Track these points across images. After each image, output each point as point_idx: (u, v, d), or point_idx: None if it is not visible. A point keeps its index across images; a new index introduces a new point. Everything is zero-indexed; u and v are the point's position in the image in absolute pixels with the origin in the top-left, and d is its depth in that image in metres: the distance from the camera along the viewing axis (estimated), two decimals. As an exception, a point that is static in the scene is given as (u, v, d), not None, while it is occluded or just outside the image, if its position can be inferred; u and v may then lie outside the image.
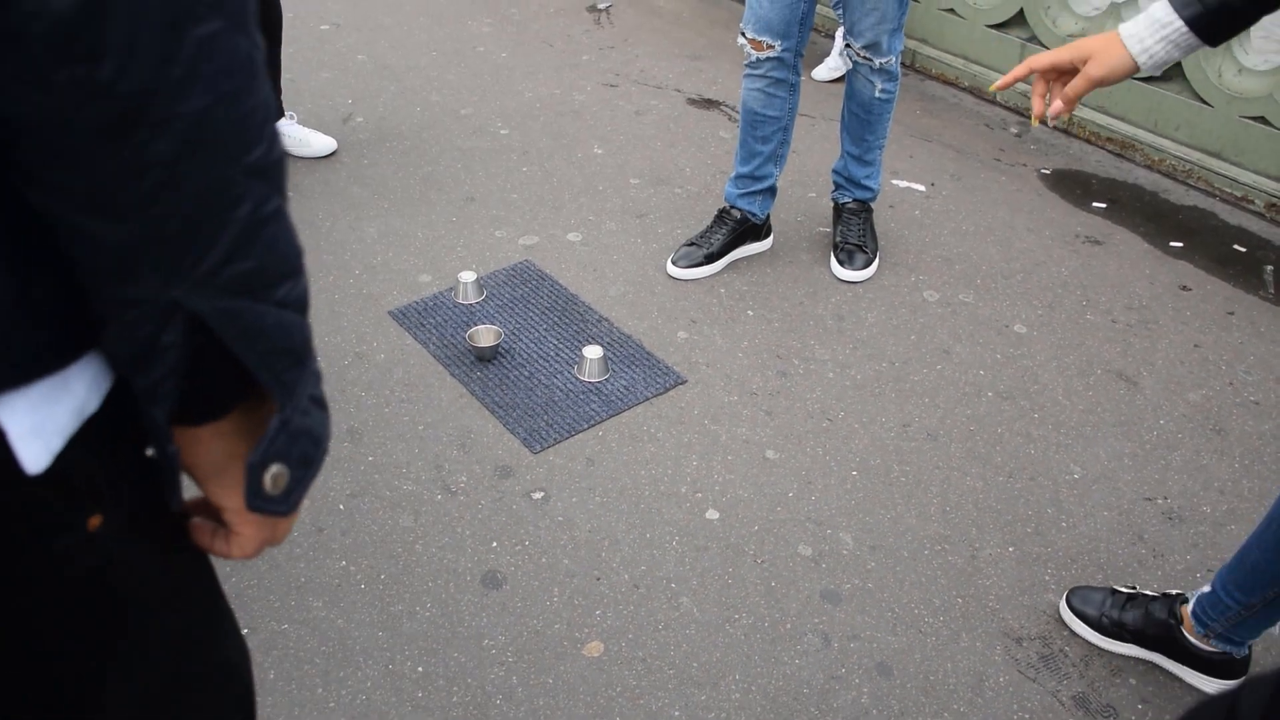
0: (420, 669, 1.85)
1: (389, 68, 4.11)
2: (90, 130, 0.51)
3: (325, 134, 3.48)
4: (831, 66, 4.18)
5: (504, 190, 3.32)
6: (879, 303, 2.88)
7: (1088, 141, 3.81)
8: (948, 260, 3.08)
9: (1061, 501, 2.26)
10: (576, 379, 2.53)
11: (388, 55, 4.21)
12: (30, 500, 0.61)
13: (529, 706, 1.79)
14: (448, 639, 1.90)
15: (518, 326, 2.71)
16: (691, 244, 2.96)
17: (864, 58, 2.74)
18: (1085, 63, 1.40)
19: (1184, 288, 3.01)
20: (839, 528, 2.18)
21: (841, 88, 2.96)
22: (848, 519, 2.20)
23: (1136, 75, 1.40)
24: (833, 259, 3.00)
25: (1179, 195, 3.50)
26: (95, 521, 0.66)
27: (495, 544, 2.10)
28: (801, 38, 2.70)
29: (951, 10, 4.18)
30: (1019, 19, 4.01)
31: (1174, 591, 1.94)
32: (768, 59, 2.71)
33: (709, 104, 3.95)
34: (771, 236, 3.08)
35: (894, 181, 3.46)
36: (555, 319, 2.75)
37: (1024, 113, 3.98)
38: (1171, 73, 3.59)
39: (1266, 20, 1.44)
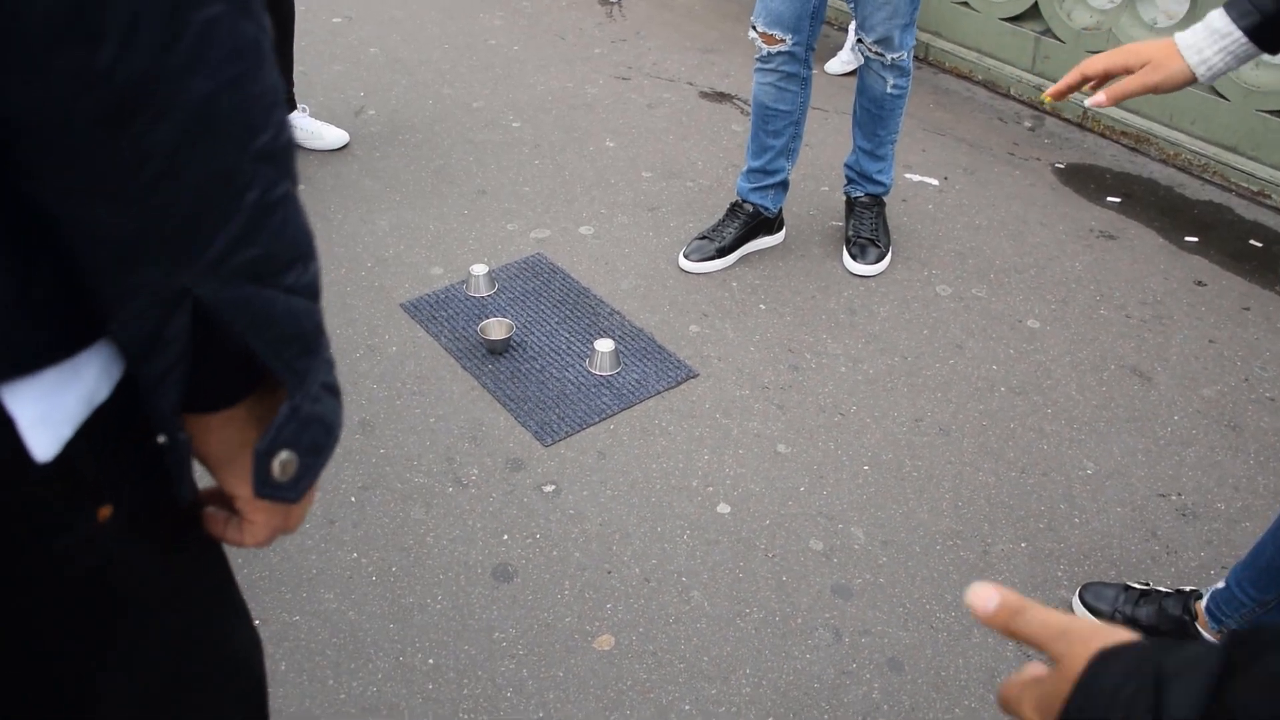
0: (431, 661, 1.85)
1: (401, 61, 4.11)
2: (89, 118, 0.50)
3: (337, 127, 3.48)
4: (844, 60, 4.16)
5: (516, 183, 3.32)
6: (891, 297, 2.87)
7: (1102, 135, 3.79)
8: (960, 255, 3.06)
9: (1074, 497, 2.25)
10: (588, 372, 2.53)
11: (400, 48, 4.21)
12: (38, 491, 0.60)
13: (539, 699, 1.79)
14: (458, 631, 1.91)
15: (529, 320, 2.71)
16: (703, 237, 2.95)
17: (875, 53, 2.73)
18: (1141, 67, 1.37)
19: (1199, 283, 2.99)
20: (850, 522, 2.17)
21: (854, 81, 2.94)
22: (859, 514, 2.19)
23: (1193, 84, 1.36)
24: (845, 253, 2.99)
25: (1194, 190, 3.48)
26: (105, 512, 0.65)
27: (506, 537, 2.10)
28: (813, 31, 2.69)
29: (965, 3, 4.16)
30: (1033, 12, 3.99)
31: (1188, 588, 1.93)
32: (779, 53, 2.69)
33: (721, 97, 3.94)
34: (784, 230, 3.07)
35: (907, 175, 3.44)
36: (567, 312, 2.74)
37: (1039, 107, 3.95)
38: (1187, 66, 3.56)
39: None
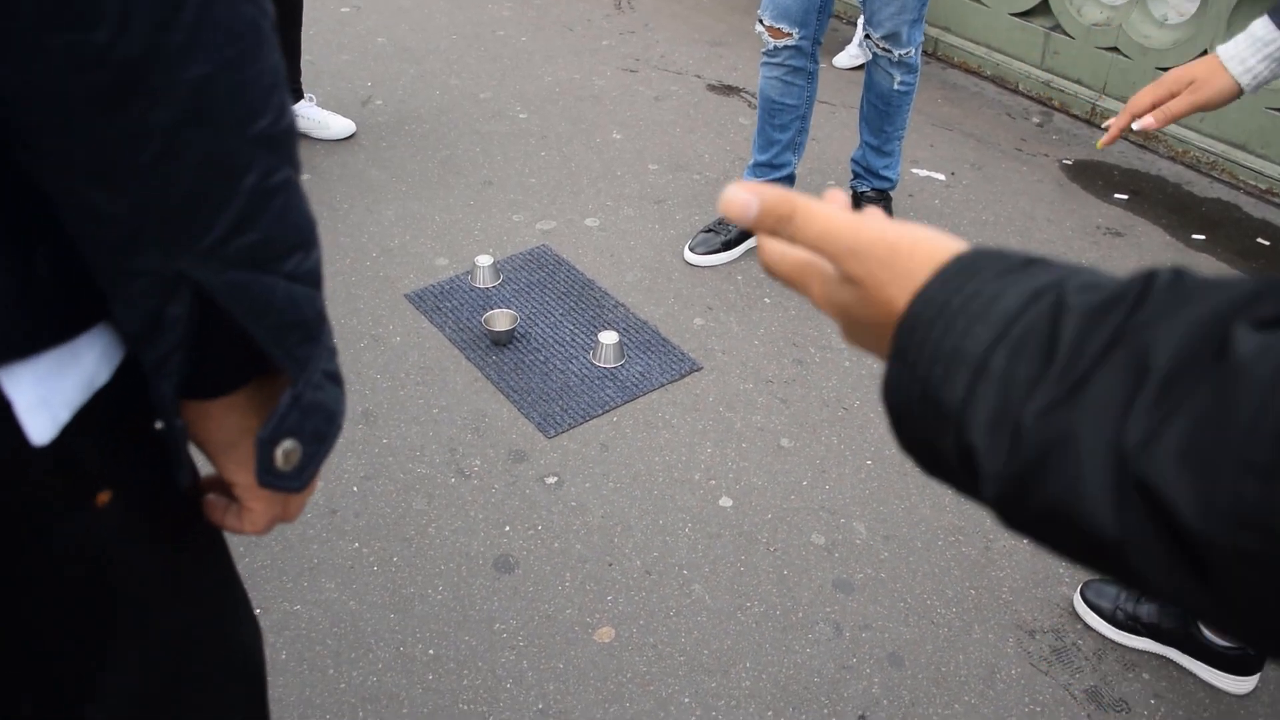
0: (431, 651, 1.85)
1: (409, 51, 4.10)
2: (86, 99, 0.49)
3: (344, 116, 3.48)
4: (852, 54, 4.15)
5: (522, 175, 3.31)
6: (896, 292, 2.86)
7: (1111, 132, 3.77)
8: (967, 250, 3.05)
9: (1078, 494, 2.25)
10: (592, 364, 2.53)
11: (407, 38, 4.21)
12: (34, 474, 0.60)
13: (539, 691, 1.80)
14: (459, 622, 1.91)
15: (534, 311, 2.71)
16: (709, 230, 2.95)
17: (883, 49, 2.72)
18: (1187, 87, 1.37)
19: (1206, 281, 2.98)
20: (853, 517, 2.17)
21: (861, 76, 2.93)
22: (861, 508, 2.19)
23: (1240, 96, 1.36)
24: (851, 248, 2.98)
25: (1202, 187, 3.46)
26: (104, 498, 0.65)
27: (508, 528, 2.10)
28: (820, 26, 2.68)
29: (975, -2, 4.15)
30: (1043, 7, 3.97)
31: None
32: (785, 47, 2.69)
33: (729, 90, 3.93)
34: (789, 224, 3.06)
35: (914, 170, 3.43)
36: (571, 304, 2.74)
37: (1046, 102, 3.94)
38: (1197, 63, 3.55)
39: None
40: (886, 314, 0.45)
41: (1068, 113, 3.89)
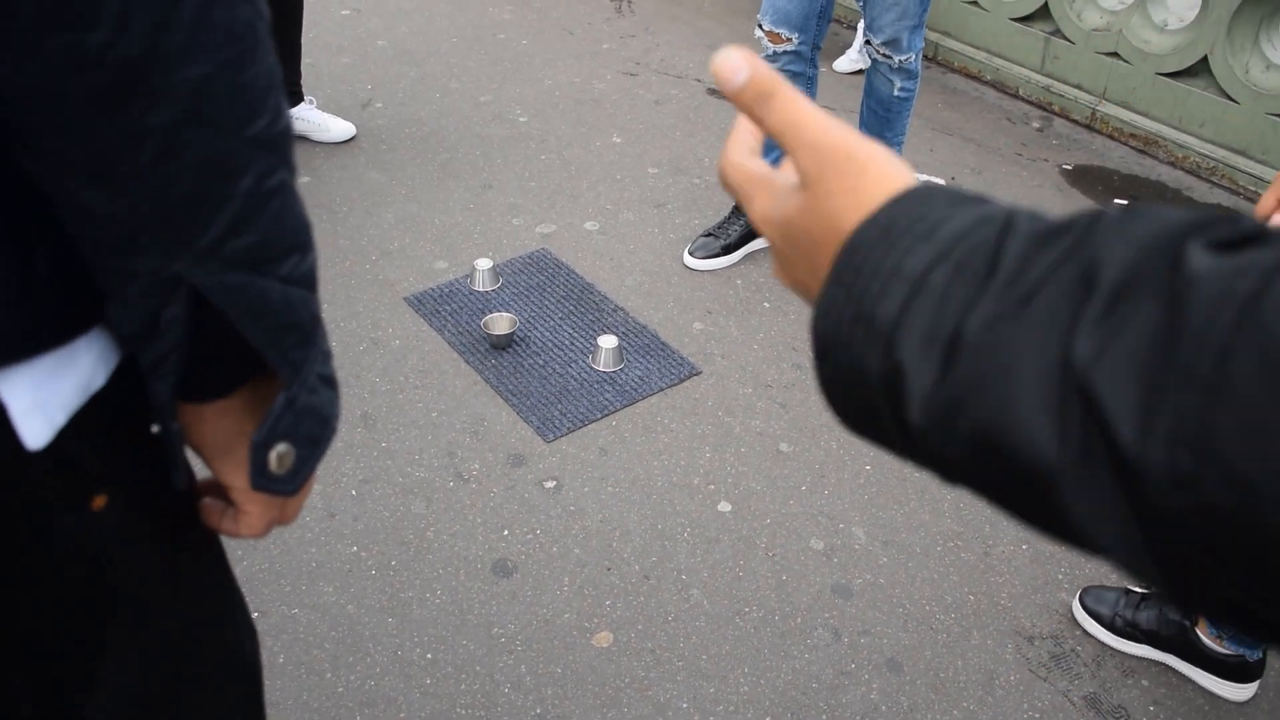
0: (429, 656, 1.85)
1: (409, 53, 4.10)
2: (84, 99, 0.49)
3: (344, 119, 3.47)
4: (852, 58, 4.15)
5: (522, 178, 3.31)
6: (896, 297, 2.86)
7: (1110, 137, 3.77)
8: (966, 255, 3.05)
9: (1077, 500, 2.24)
10: (591, 368, 2.53)
11: (408, 41, 4.21)
12: (31, 476, 0.60)
13: (537, 695, 1.79)
14: (457, 626, 1.90)
15: (533, 315, 2.71)
16: (709, 235, 2.95)
17: (883, 55, 2.72)
18: None
19: (1206, 286, 2.98)
20: (851, 522, 2.17)
21: (862, 80, 2.93)
22: (860, 514, 2.19)
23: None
24: (850, 252, 2.98)
25: (1203, 193, 3.46)
26: (100, 501, 0.65)
27: (506, 532, 2.10)
28: (820, 31, 2.68)
29: (974, 3, 4.15)
30: (1043, 12, 3.97)
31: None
32: (784, 52, 2.68)
33: (729, 94, 3.93)
34: (789, 228, 3.06)
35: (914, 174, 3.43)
36: (571, 308, 2.74)
37: (1046, 107, 3.94)
38: (1198, 68, 3.55)
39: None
40: (826, 229, 0.44)
41: (1068, 118, 3.89)
